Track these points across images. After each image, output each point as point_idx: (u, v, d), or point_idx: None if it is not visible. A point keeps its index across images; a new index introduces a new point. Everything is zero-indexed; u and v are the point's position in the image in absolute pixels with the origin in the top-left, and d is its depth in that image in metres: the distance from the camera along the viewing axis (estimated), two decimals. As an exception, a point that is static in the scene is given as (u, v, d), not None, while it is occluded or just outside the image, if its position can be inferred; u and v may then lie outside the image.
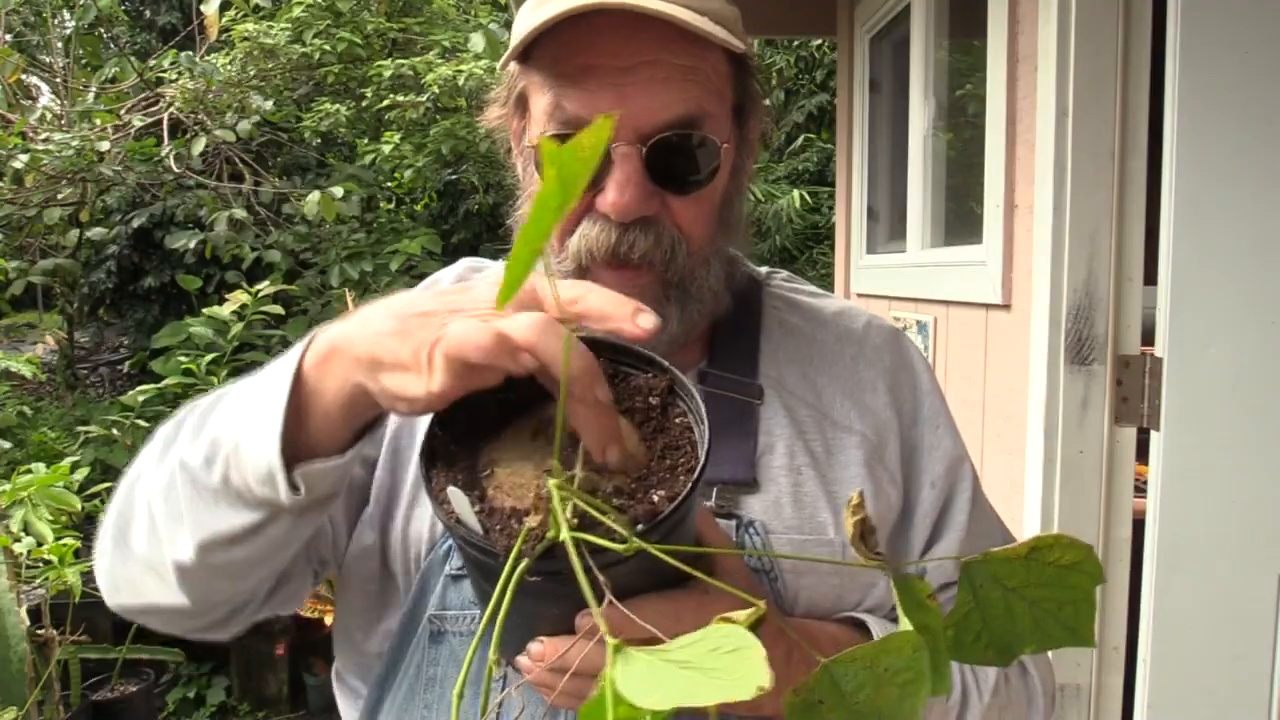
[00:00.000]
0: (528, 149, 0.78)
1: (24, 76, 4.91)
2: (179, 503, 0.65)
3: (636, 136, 0.70)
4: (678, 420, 0.58)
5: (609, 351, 0.60)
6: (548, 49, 0.72)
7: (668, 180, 0.72)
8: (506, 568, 0.47)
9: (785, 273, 0.95)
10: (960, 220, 2.35)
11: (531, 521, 0.49)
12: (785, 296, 0.90)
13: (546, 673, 0.56)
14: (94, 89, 5.24)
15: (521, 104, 0.78)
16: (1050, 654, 0.87)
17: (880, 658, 0.38)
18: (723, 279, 0.80)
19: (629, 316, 0.52)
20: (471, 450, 0.58)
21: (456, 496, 0.52)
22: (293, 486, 0.59)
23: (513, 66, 0.77)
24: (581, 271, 0.74)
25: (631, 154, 0.70)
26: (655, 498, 0.52)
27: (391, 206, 5.81)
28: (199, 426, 0.66)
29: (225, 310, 3.67)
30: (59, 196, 4.56)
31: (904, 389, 0.85)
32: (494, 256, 0.95)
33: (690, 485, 0.53)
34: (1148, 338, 1.56)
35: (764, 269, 0.94)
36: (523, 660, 0.57)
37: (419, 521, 0.76)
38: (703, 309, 0.79)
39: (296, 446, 0.60)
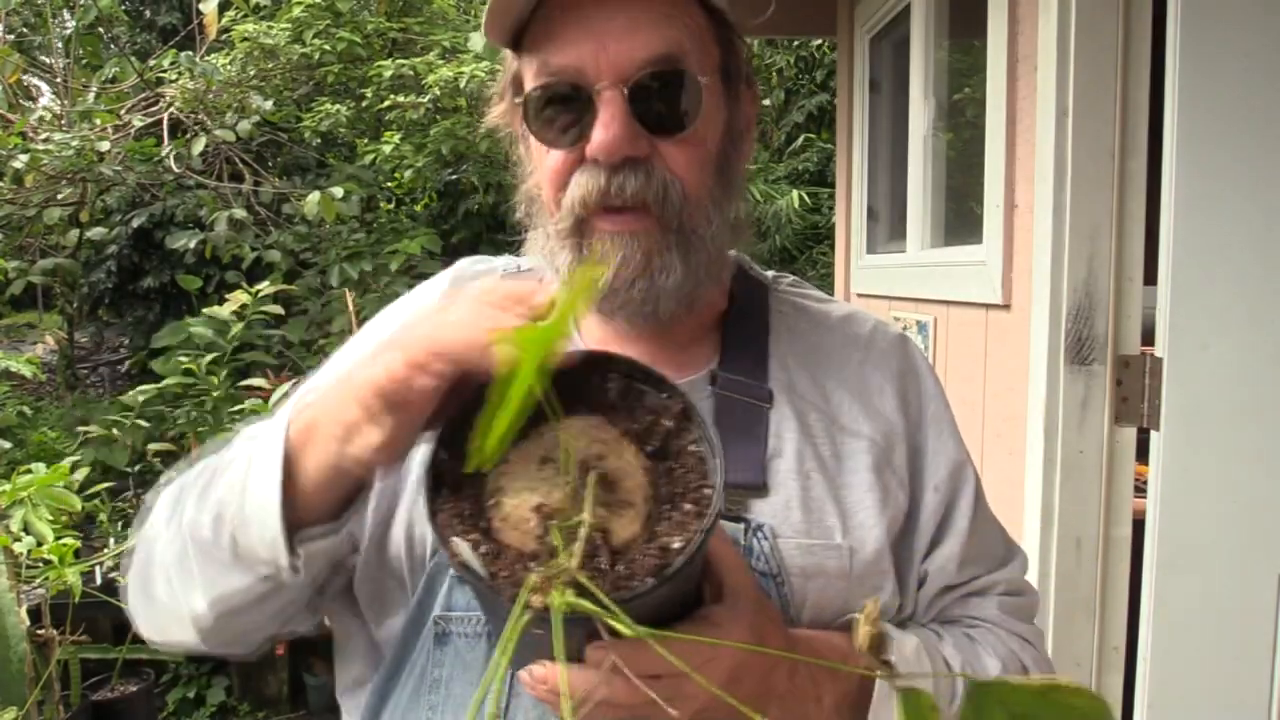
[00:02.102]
0: (523, 129, 0.80)
1: (24, 76, 4.90)
2: (191, 564, 0.69)
3: (618, 78, 0.71)
4: (691, 449, 0.57)
5: (622, 366, 0.60)
6: (538, 29, 0.75)
7: (653, 122, 0.73)
8: (508, 626, 0.46)
9: (792, 277, 0.95)
10: (960, 220, 2.35)
11: (534, 580, 0.48)
12: (792, 301, 0.90)
13: (549, 693, 0.57)
14: (94, 89, 5.23)
15: (517, 86, 0.79)
16: (1050, 653, 0.87)
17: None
18: (726, 240, 0.80)
19: None
20: (476, 475, 0.57)
21: (461, 547, 0.52)
22: (293, 553, 0.63)
23: (509, 55, 0.80)
24: (579, 224, 0.75)
25: (614, 95, 0.71)
26: (666, 545, 0.52)
27: (391, 206, 5.81)
28: (204, 491, 0.69)
29: (225, 310, 3.67)
30: (59, 196, 4.56)
31: (910, 393, 0.85)
32: (494, 255, 0.95)
33: (702, 535, 0.52)
34: (1148, 338, 1.56)
35: (770, 273, 0.94)
36: (524, 676, 0.57)
37: (425, 524, 0.76)
38: (709, 269, 0.78)
39: (295, 510, 0.63)
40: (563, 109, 0.74)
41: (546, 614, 0.47)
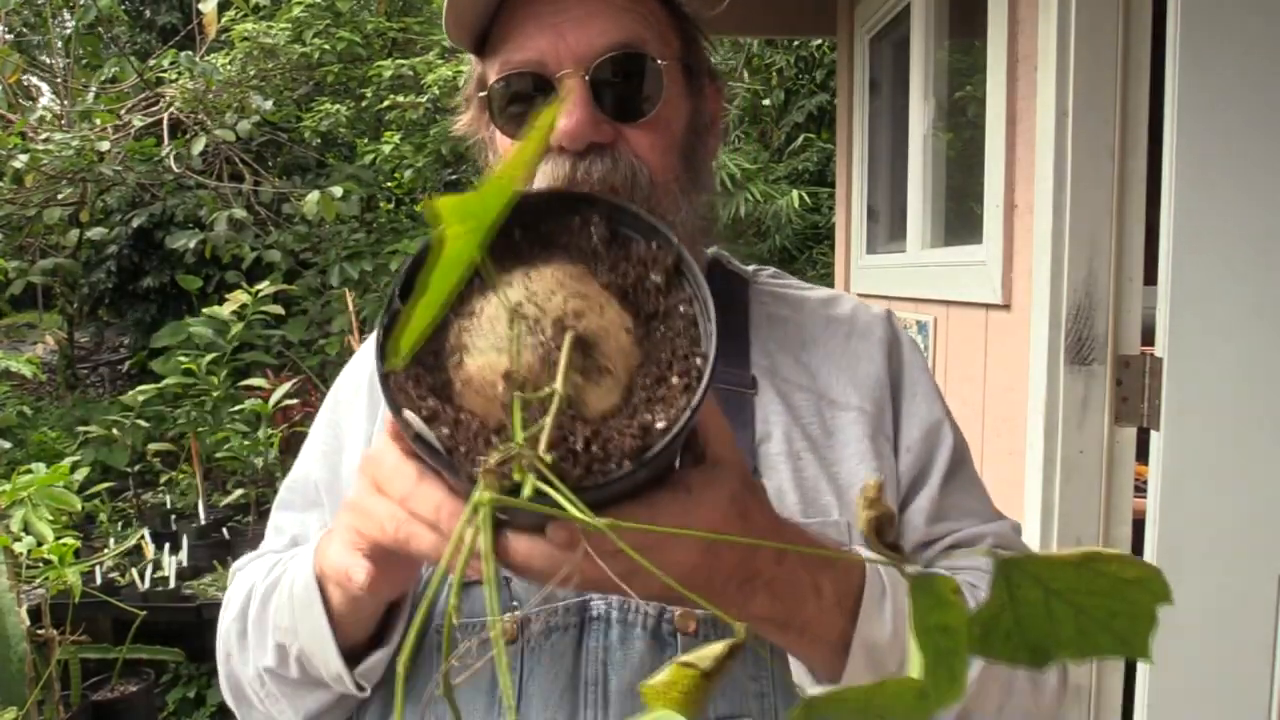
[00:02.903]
0: (489, 131, 0.81)
1: (24, 76, 4.90)
2: (272, 690, 0.76)
3: (578, 66, 0.73)
4: (682, 309, 0.51)
5: (605, 207, 0.53)
6: (498, 31, 0.77)
7: (615, 107, 0.74)
8: (466, 509, 0.42)
9: (771, 269, 0.96)
10: (960, 220, 2.35)
11: (491, 462, 0.42)
12: (772, 291, 0.91)
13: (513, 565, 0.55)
14: (94, 89, 5.23)
15: (481, 86, 0.80)
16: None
17: (875, 699, 0.34)
18: (695, 231, 0.80)
19: None
20: (437, 325, 0.50)
21: (413, 419, 0.47)
22: (358, 685, 0.69)
23: (473, 59, 0.82)
24: None
25: (576, 83, 0.73)
26: (648, 424, 0.46)
27: (391, 206, 5.81)
28: (262, 628, 0.75)
29: (225, 310, 3.67)
30: (59, 196, 4.56)
31: (894, 359, 0.86)
32: None
33: (689, 414, 0.46)
34: (1148, 338, 1.56)
35: (751, 266, 0.94)
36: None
37: None
38: None
39: (344, 635, 0.68)
40: (526, 101, 0.75)
41: (511, 494, 0.43)
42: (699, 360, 0.48)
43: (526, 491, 0.42)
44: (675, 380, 0.47)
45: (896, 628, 0.63)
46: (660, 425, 0.45)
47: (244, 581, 0.82)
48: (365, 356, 0.90)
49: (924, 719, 0.33)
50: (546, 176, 0.74)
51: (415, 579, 0.69)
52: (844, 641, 0.62)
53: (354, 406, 0.86)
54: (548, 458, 0.42)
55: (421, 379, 0.48)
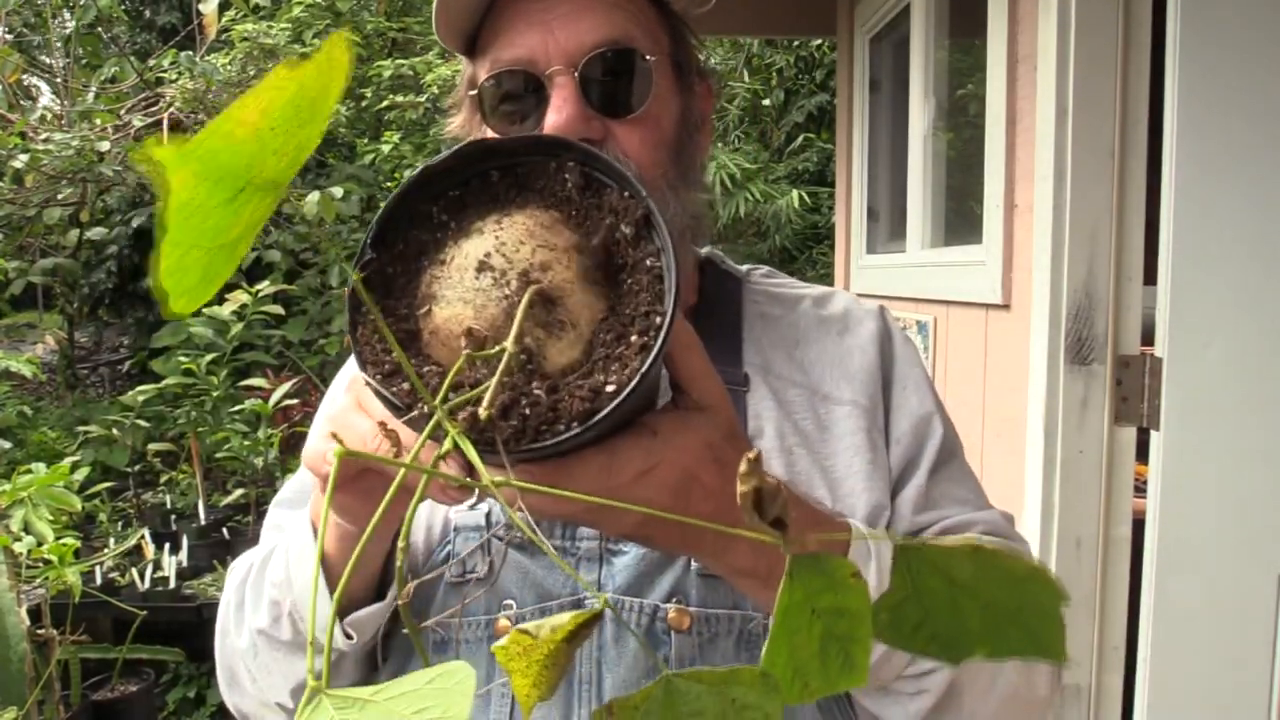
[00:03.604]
0: (482, 131, 0.81)
1: (24, 76, 4.90)
2: (265, 659, 0.74)
3: (568, 63, 0.73)
4: (649, 263, 0.50)
5: (579, 153, 0.53)
6: (488, 32, 0.77)
7: (604, 104, 0.75)
8: (411, 453, 0.44)
9: (765, 268, 0.96)
10: (960, 220, 2.35)
11: (432, 426, 0.43)
12: (765, 290, 0.91)
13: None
14: (94, 89, 5.23)
15: (473, 87, 0.81)
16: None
17: (730, 686, 0.34)
18: (685, 229, 0.80)
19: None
20: (411, 272, 0.51)
21: (370, 378, 0.48)
22: (345, 634, 0.68)
23: (464, 61, 0.82)
24: None
25: (565, 80, 0.73)
26: (599, 386, 0.46)
27: (391, 206, 5.81)
28: (258, 590, 0.75)
29: (225, 310, 3.67)
30: (59, 196, 4.56)
31: (886, 354, 0.87)
32: None
33: (638, 378, 0.45)
34: (1148, 338, 1.56)
35: (744, 266, 0.95)
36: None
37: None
38: None
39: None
40: (516, 100, 0.76)
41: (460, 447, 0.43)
42: (659, 319, 0.47)
43: (446, 445, 0.43)
44: (634, 339, 0.47)
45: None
46: (610, 389, 0.45)
47: (243, 563, 0.82)
48: None
49: (772, 710, 0.33)
50: None
51: (391, 524, 0.66)
52: None
53: None
54: (484, 414, 0.43)
55: (391, 329, 0.49)
